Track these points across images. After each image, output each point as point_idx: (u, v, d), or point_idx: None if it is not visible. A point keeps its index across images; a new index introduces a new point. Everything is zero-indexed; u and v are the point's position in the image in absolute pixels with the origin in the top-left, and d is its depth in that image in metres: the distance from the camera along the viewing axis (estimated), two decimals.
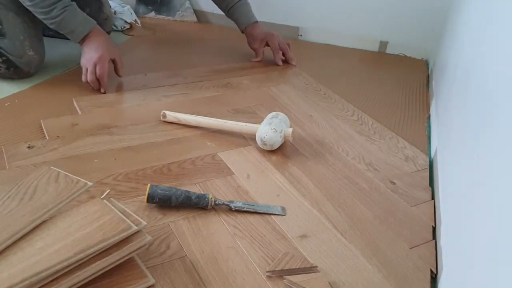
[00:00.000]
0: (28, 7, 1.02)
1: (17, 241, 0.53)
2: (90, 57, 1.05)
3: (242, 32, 1.39)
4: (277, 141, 0.88)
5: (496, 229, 0.44)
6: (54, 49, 1.32)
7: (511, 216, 0.41)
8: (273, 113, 0.95)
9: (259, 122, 1.02)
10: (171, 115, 0.98)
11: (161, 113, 0.98)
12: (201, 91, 1.16)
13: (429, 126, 1.09)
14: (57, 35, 1.38)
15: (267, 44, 1.39)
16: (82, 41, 1.07)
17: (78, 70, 1.23)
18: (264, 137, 0.88)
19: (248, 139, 0.94)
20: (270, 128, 0.88)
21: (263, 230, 0.70)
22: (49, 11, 1.00)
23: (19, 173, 0.77)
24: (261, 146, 0.90)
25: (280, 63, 1.38)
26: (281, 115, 0.94)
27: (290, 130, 0.90)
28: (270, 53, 1.39)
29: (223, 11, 1.38)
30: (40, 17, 1.03)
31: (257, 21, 1.36)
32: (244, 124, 0.94)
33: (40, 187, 0.61)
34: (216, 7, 1.40)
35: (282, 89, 1.22)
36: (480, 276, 0.46)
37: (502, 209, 0.44)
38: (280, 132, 0.89)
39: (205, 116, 0.98)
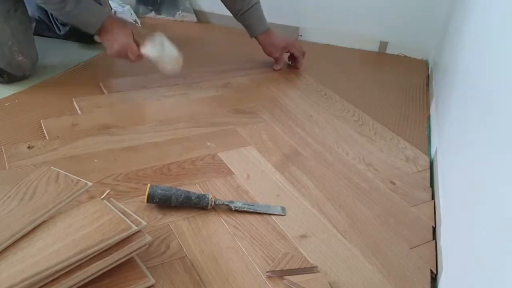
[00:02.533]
0: (40, 5, 1.02)
1: (17, 241, 0.53)
2: (116, 50, 1.06)
3: (252, 37, 1.33)
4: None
5: (496, 229, 0.44)
6: (53, 49, 1.32)
7: (511, 216, 0.41)
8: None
9: (259, 122, 1.02)
10: None
11: None
12: (201, 91, 1.16)
13: (429, 126, 1.09)
14: (58, 36, 1.39)
15: (287, 51, 1.36)
16: (99, 32, 1.05)
17: (78, 70, 1.24)
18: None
19: (249, 139, 0.94)
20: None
21: (263, 230, 0.70)
22: (62, 7, 1.00)
23: (19, 173, 0.77)
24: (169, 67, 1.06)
25: (300, 68, 1.37)
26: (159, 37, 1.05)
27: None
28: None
29: (234, 15, 1.32)
30: (54, 13, 1.07)
31: (269, 28, 1.31)
32: None
33: (40, 187, 0.61)
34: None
35: (282, 89, 1.22)
36: (480, 276, 0.46)
37: (502, 209, 0.44)
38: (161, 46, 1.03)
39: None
